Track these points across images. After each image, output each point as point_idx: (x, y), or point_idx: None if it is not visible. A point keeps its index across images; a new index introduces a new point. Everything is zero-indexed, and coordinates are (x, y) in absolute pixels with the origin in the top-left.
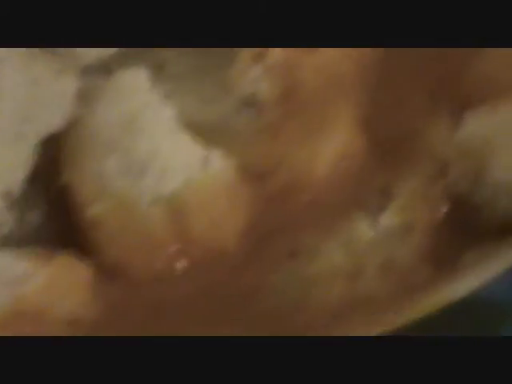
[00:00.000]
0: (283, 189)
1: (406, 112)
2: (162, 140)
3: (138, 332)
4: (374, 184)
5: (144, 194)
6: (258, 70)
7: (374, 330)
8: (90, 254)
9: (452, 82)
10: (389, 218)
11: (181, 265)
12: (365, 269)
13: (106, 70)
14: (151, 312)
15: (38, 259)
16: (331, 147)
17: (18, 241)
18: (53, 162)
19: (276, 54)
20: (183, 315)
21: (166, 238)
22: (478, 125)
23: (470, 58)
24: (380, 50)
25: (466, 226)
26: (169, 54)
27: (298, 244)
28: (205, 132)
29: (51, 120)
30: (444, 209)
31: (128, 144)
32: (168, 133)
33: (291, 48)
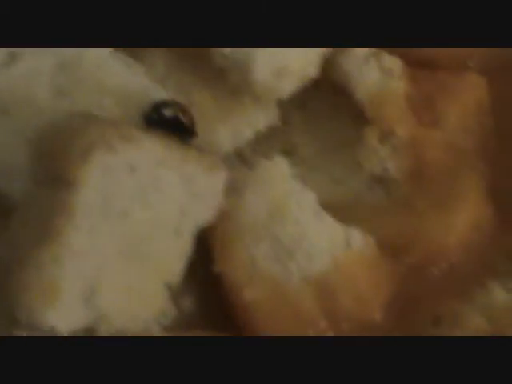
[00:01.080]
0: (420, 260)
1: None
2: (307, 223)
3: None
4: (504, 249)
5: (294, 276)
6: (385, 149)
7: None
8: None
9: None
10: None
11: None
12: (504, 332)
13: (241, 158)
14: None
15: None
16: (462, 218)
17: (174, 327)
18: (205, 251)
19: (402, 132)
20: None
21: (316, 314)
22: None
23: None
24: (495, 119)
25: None
26: (298, 139)
27: (440, 311)
28: (339, 210)
29: (205, 213)
30: None
31: (276, 230)
32: (312, 216)
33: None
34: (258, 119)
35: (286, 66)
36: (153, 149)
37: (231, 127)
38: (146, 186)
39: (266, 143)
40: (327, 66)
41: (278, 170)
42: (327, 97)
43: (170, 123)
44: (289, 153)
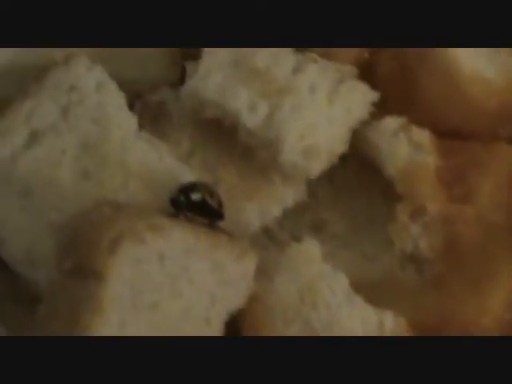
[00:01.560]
0: None
1: None
2: (339, 307)
3: None
4: None
5: None
6: (417, 226)
7: None
8: None
9: None
10: None
11: None
12: None
13: (269, 235)
14: None
15: None
16: (497, 298)
17: None
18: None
19: (433, 209)
20: None
21: None
22: None
23: None
24: None
25: None
26: (326, 214)
27: None
28: (370, 290)
29: (235, 300)
30: None
31: (307, 314)
32: (344, 300)
33: (445, 200)
34: (286, 197)
35: (314, 145)
36: (182, 237)
37: (258, 205)
38: (175, 275)
39: (293, 219)
40: (354, 139)
41: (308, 253)
42: (354, 170)
43: (197, 206)
44: (317, 229)
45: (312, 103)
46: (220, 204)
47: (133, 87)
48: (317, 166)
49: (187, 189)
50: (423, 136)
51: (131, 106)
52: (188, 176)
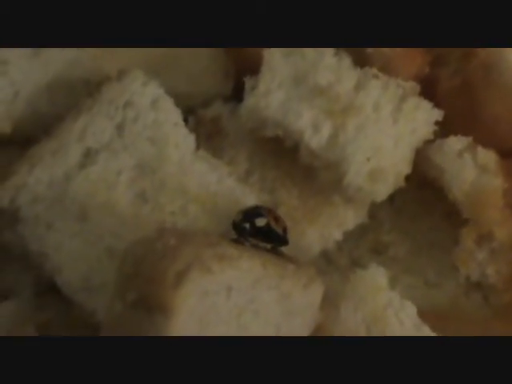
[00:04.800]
0: None
1: None
2: None
3: None
4: None
5: None
6: (483, 252)
7: None
8: None
9: None
10: None
11: None
12: None
13: (327, 258)
14: None
15: None
16: None
17: None
18: None
19: (501, 234)
20: None
21: None
22: None
23: None
24: None
25: None
26: (387, 236)
27: None
28: (435, 318)
29: (301, 330)
30: None
31: None
32: (412, 330)
33: None
34: (348, 219)
35: (381, 168)
36: (250, 268)
37: (319, 228)
38: (242, 307)
39: (353, 241)
40: (416, 158)
41: (374, 281)
42: (415, 191)
43: (261, 232)
44: (378, 252)
45: (376, 123)
46: (285, 229)
47: (185, 101)
48: (383, 190)
49: (251, 214)
50: (489, 157)
51: (184, 122)
52: (249, 198)
